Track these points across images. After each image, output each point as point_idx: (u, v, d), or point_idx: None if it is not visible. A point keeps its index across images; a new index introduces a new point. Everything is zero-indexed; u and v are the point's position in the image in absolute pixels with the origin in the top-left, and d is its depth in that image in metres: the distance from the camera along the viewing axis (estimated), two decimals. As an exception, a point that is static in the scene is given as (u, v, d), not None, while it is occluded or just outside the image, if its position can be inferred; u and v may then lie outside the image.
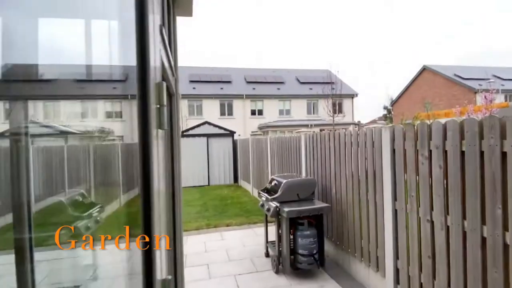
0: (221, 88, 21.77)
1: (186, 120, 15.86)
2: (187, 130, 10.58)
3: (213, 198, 8.38)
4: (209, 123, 10.84)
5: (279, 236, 3.84)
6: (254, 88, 22.81)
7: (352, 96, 23.98)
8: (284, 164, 6.02)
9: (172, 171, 1.76)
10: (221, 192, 9.35)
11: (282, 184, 3.92)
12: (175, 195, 1.76)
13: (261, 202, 4.26)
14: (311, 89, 23.71)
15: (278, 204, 3.79)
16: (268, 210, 3.88)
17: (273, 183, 4.27)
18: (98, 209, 0.86)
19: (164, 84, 0.78)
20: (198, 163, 10.59)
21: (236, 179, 11.18)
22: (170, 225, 1.77)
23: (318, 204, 3.82)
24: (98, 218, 0.86)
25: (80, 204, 0.76)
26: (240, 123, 21.36)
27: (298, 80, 25.33)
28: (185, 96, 19.97)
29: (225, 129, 10.95)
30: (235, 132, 11.21)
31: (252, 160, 8.82)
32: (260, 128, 21.37)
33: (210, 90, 21.26)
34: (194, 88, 21.08)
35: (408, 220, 2.69)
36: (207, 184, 10.70)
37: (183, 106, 19.68)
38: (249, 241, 4.93)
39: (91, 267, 0.74)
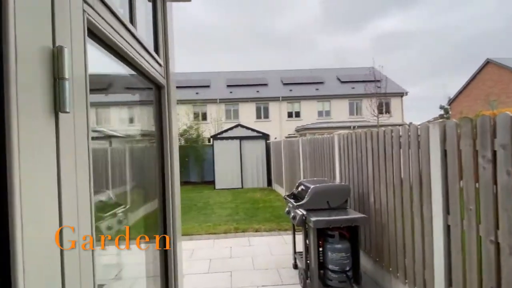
0: (257, 91, 21.75)
1: (221, 124, 16.07)
2: (220, 133, 10.63)
3: (245, 201, 8.21)
4: (242, 126, 10.75)
5: (307, 248, 3.47)
6: (291, 90, 22.38)
7: (401, 94, 22.12)
8: (317, 167, 5.58)
9: (162, 173, 1.60)
10: (253, 195, 9.16)
11: (309, 190, 3.55)
12: (167, 198, 1.59)
13: (287, 209, 3.93)
14: (353, 88, 22.50)
15: (304, 212, 3.43)
16: (294, 218, 3.54)
17: (300, 188, 3.91)
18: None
19: (66, 50, 0.55)
20: (231, 166, 10.56)
21: (269, 182, 10.91)
22: (160, 230, 1.61)
23: (352, 214, 3.37)
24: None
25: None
26: (276, 126, 21.11)
27: (339, 79, 24.24)
28: (222, 101, 20.37)
29: (258, 132, 10.77)
30: (268, 135, 10.97)
31: (285, 163, 8.48)
32: (297, 130, 20.84)
33: (247, 93, 21.37)
34: (231, 92, 21.40)
35: (465, 239, 2.16)
36: (240, 186, 10.60)
37: (220, 110, 20.06)
38: (277, 249, 4.62)
39: None
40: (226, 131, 10.63)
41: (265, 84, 23.06)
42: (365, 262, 3.71)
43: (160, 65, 1.53)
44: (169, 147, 1.68)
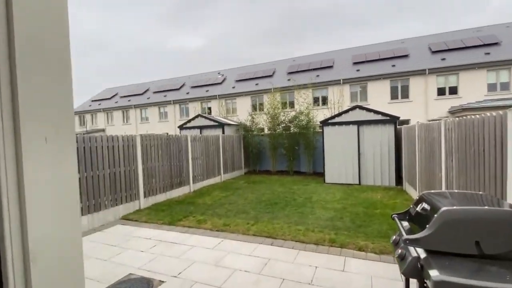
0: (393, 66, 17.81)
1: (339, 108, 14.01)
2: (332, 117, 9.01)
3: (357, 202, 6.54)
4: (361, 107, 8.69)
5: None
6: (443, 59, 16.99)
7: None
8: (470, 170, 3.39)
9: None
10: (372, 195, 7.23)
11: (437, 214, 1.89)
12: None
13: (394, 237, 2.36)
14: (559, 44, 14.56)
15: (422, 254, 1.85)
16: (402, 258, 2.01)
17: (420, 207, 2.23)
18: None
19: None
20: (345, 157, 8.84)
21: (399, 180, 8.45)
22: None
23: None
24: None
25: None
26: (419, 107, 16.74)
27: (530, 34, 16.31)
28: (346, 81, 18.03)
29: (383, 114, 8.42)
30: (398, 117, 8.38)
31: (419, 156, 6.10)
32: (451, 112, 15.73)
33: (378, 69, 17.93)
34: (357, 70, 18.58)
35: None
36: (357, 183, 8.74)
37: (341, 91, 17.78)
38: (384, 287, 3.06)
39: None
40: (339, 114, 8.91)
41: (405, 56, 18.58)
42: None
43: None
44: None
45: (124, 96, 28.21)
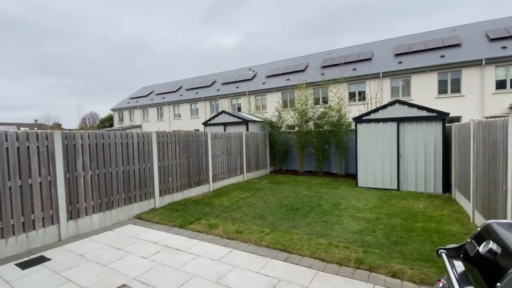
0: (442, 56, 15.81)
1: (376, 104, 12.63)
2: (368, 113, 7.98)
3: (394, 212, 5.63)
4: (402, 102, 7.58)
5: None
6: (504, 47, 14.66)
7: None
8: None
9: None
10: (412, 204, 6.23)
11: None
12: None
13: (440, 284, 1.65)
14: None
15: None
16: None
17: (485, 247, 1.49)
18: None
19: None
20: (382, 158, 7.82)
21: (447, 187, 7.24)
22: None
23: None
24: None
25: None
26: (473, 103, 14.71)
27: None
28: (386, 74, 16.44)
29: (428, 110, 7.24)
30: (447, 114, 7.15)
31: (475, 161, 5.02)
32: (514, 108, 13.52)
33: (423, 61, 16.06)
34: (400, 62, 16.84)
35: None
36: (395, 188, 7.69)
37: (385, 87, 16.29)
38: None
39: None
40: (376, 110, 7.87)
41: (456, 45, 16.39)
42: None
43: None
44: None
45: (159, 94, 29.22)
